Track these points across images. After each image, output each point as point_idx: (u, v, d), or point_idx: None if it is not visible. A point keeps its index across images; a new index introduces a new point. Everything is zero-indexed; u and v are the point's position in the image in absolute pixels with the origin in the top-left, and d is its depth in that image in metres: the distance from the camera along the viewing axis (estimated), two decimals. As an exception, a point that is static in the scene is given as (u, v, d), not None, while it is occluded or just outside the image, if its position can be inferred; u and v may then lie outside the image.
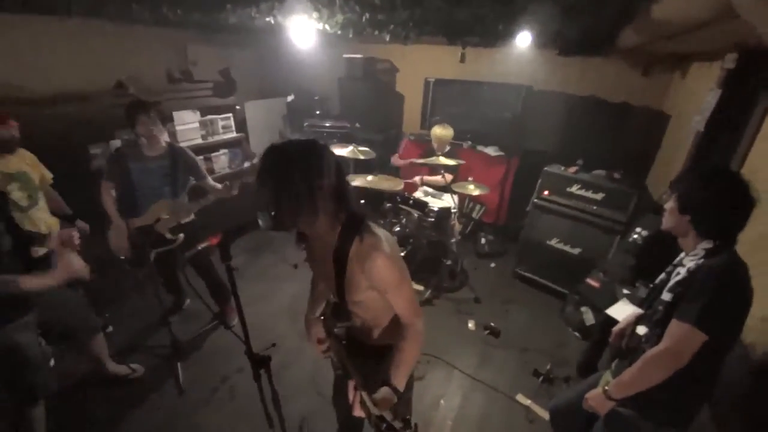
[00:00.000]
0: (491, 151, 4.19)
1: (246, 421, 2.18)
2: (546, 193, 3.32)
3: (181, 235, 2.27)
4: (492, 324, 3.00)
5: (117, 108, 3.00)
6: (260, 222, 0.99)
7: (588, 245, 3.16)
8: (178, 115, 3.36)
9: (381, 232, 1.13)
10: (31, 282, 1.53)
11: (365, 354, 1.32)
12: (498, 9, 2.12)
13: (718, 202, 1.21)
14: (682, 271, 1.29)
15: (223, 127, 3.77)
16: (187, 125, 3.46)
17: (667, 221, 1.37)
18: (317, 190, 0.99)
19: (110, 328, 2.72)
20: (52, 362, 1.81)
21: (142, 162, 2.29)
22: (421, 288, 3.39)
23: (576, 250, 3.24)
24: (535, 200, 3.39)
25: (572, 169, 3.27)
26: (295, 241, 1.23)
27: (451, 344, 2.83)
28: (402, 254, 3.47)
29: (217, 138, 3.72)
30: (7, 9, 2.51)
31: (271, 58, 4.75)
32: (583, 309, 2.87)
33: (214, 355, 2.64)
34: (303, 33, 3.07)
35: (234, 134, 3.89)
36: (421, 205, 3.29)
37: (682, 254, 1.38)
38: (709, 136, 2.41)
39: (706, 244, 1.25)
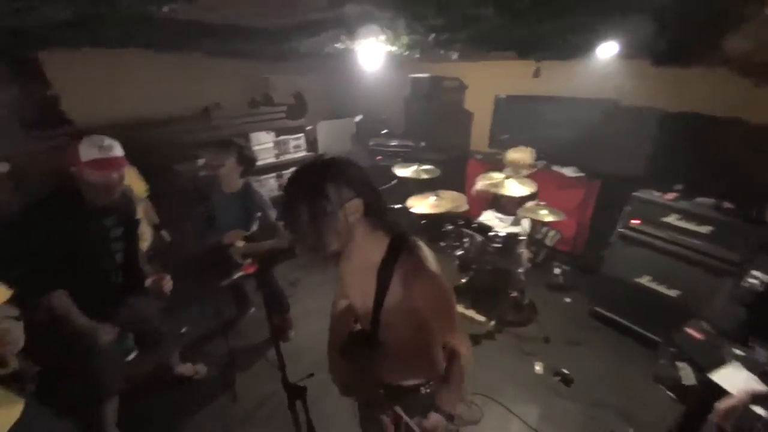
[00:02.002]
0: (569, 171, 3.82)
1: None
2: (635, 222, 2.89)
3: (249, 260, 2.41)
4: (564, 370, 2.65)
5: (202, 132, 3.37)
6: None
7: (688, 287, 2.65)
8: (254, 136, 3.64)
9: (426, 249, 1.09)
10: (77, 319, 1.68)
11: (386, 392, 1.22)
12: (574, 19, 1.92)
13: None
14: None
15: (294, 147, 4.00)
16: (263, 145, 3.73)
17: None
18: (334, 208, 0.97)
19: (184, 329, 2.95)
20: (133, 354, 2.00)
21: (219, 194, 2.52)
22: (482, 319, 3.15)
23: (672, 292, 2.73)
24: (621, 230, 2.96)
25: (670, 196, 2.81)
26: (334, 258, 1.20)
27: (512, 387, 2.55)
28: (463, 281, 3.34)
29: (288, 157, 3.95)
30: (113, 45, 2.94)
31: (342, 80, 4.95)
32: (680, 365, 2.39)
33: (267, 370, 2.69)
34: (371, 55, 3.14)
35: (304, 153, 4.10)
36: (486, 230, 3.08)
37: None
38: None
39: None
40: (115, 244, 1.82)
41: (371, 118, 5.03)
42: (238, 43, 2.87)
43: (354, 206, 1.00)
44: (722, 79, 3.00)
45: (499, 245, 3.04)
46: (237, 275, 1.16)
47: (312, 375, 1.42)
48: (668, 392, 2.47)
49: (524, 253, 3.17)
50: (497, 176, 3.10)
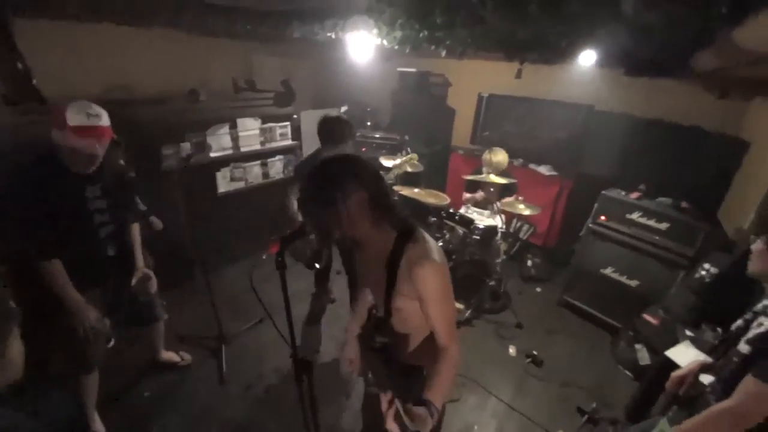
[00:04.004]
0: (544, 170, 4.05)
1: (276, 420, 2.25)
2: (603, 218, 3.14)
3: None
4: (534, 352, 2.86)
5: (189, 113, 3.30)
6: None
7: (647, 278, 2.93)
8: (241, 122, 3.59)
9: (432, 242, 1.16)
10: (72, 295, 1.68)
11: (397, 372, 1.32)
12: (562, 27, 2.07)
13: None
14: (766, 323, 1.17)
15: (281, 135, 3.97)
16: (249, 131, 3.68)
17: (755, 265, 1.27)
18: (354, 201, 1.04)
19: (165, 316, 2.93)
20: (112, 342, 1.98)
21: None
22: (461, 307, 3.31)
23: (633, 282, 3.01)
24: (591, 225, 3.21)
25: (634, 195, 3.07)
26: (348, 248, 1.28)
27: (488, 368, 2.74)
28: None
29: (274, 145, 3.92)
30: (96, 19, 2.83)
31: (328, 69, 4.95)
32: (638, 347, 2.66)
33: (255, 352, 2.73)
34: (361, 47, 3.17)
35: (290, 142, 4.08)
36: (467, 222, 3.24)
37: (766, 301, 1.25)
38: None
39: None
40: (98, 215, 1.77)
41: (356, 109, 5.06)
42: (229, 22, 2.83)
43: (362, 198, 1.05)
44: (687, 91, 3.30)
45: (478, 237, 3.21)
46: (264, 255, 1.21)
47: (318, 352, 1.49)
48: (627, 372, 2.74)
49: (501, 245, 3.38)
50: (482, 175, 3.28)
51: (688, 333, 2.17)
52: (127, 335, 2.39)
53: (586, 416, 2.36)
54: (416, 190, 3.29)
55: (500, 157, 3.31)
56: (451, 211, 3.34)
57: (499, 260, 3.35)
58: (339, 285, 2.81)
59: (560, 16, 1.73)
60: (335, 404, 2.35)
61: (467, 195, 3.61)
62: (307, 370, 1.26)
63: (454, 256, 3.43)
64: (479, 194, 3.49)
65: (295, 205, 2.38)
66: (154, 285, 2.03)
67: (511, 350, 2.93)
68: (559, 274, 3.81)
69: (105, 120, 1.63)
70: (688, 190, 3.03)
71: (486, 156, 3.33)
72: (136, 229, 2.06)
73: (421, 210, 3.39)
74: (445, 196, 3.36)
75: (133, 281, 1.94)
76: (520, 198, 3.32)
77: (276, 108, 3.92)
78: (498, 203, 3.34)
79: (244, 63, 4.21)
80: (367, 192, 1.06)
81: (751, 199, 2.56)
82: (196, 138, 3.24)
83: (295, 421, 1.48)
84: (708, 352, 1.60)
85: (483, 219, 3.38)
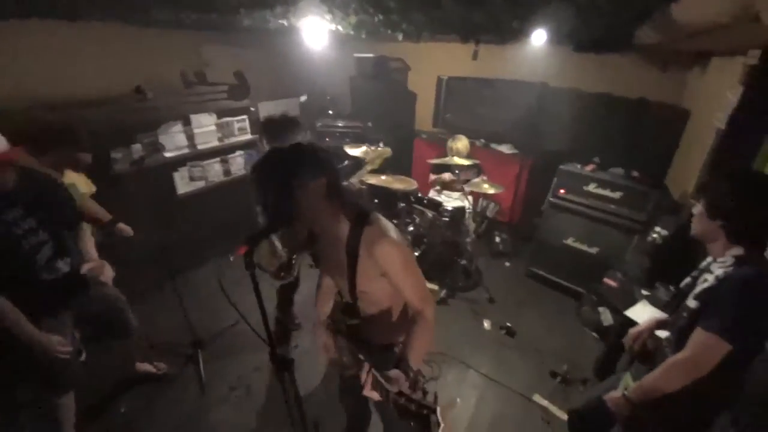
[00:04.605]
0: (505, 149, 4.17)
1: (262, 419, 2.24)
2: (562, 191, 3.29)
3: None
4: (508, 324, 2.99)
5: (137, 113, 3.09)
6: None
7: (605, 245, 3.12)
8: (195, 118, 3.42)
9: (387, 222, 1.20)
10: (26, 330, 1.54)
11: (370, 352, 1.35)
12: (513, 8, 2.10)
13: (749, 207, 1.19)
14: (710, 278, 1.27)
15: (239, 129, 3.82)
16: (205, 128, 3.52)
17: (696, 227, 1.35)
18: (311, 189, 1.05)
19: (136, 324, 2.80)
20: (83, 356, 1.88)
21: None
22: (435, 287, 3.39)
23: (593, 250, 3.20)
24: (551, 199, 3.35)
25: (589, 168, 3.23)
26: (306, 242, 1.29)
27: (465, 344, 2.84)
28: (416, 254, 3.55)
29: (233, 140, 3.77)
30: (26, 15, 2.57)
31: (284, 58, 4.77)
32: (601, 309, 2.84)
33: (232, 354, 2.68)
34: (316, 34, 3.09)
35: (249, 136, 3.93)
36: (435, 205, 3.29)
37: (709, 259, 1.36)
38: (732, 134, 2.35)
39: (737, 251, 1.23)
40: (30, 238, 1.58)
41: (316, 98, 4.95)
42: (175, 13, 2.66)
43: (318, 187, 1.06)
44: (632, 65, 3.48)
45: (447, 219, 3.28)
46: (232, 257, 1.18)
47: (296, 347, 1.49)
48: (592, 333, 2.93)
49: (470, 225, 3.47)
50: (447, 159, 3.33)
51: (644, 293, 2.34)
52: (98, 348, 2.26)
53: (559, 378, 2.51)
54: (383, 177, 3.30)
55: (460, 144, 3.40)
56: (419, 195, 3.38)
57: (468, 239, 3.44)
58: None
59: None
60: (318, 396, 2.37)
61: (433, 177, 3.66)
62: (288, 367, 1.26)
63: (425, 239, 3.49)
64: (446, 175, 3.55)
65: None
66: (108, 273, 1.86)
67: (486, 324, 3.05)
68: (526, 248, 3.97)
69: (2, 144, 1.43)
70: (638, 159, 3.22)
71: (449, 144, 3.44)
72: (83, 232, 1.92)
73: (389, 196, 3.40)
74: (412, 180, 3.39)
75: (84, 269, 1.79)
76: (484, 178, 3.41)
77: (231, 101, 3.75)
78: (465, 185, 3.41)
79: (194, 56, 3.97)
80: (323, 180, 1.07)
81: (694, 164, 2.76)
82: (147, 138, 3.06)
83: (281, 418, 1.48)
84: (663, 309, 1.74)
85: (451, 201, 3.45)
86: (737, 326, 1.14)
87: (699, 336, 1.20)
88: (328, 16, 2.67)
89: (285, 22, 2.91)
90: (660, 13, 1.75)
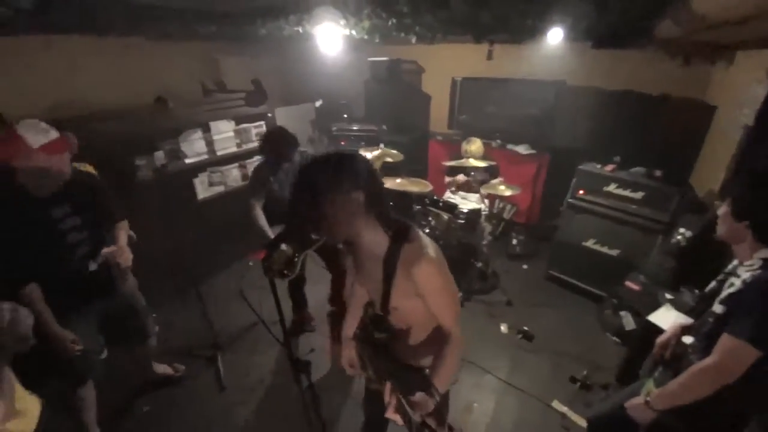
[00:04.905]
0: (522, 149, 4.10)
1: (281, 420, 2.27)
2: (581, 192, 3.21)
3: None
4: (525, 328, 2.94)
5: (158, 121, 3.20)
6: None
7: (627, 246, 3.03)
8: (214, 125, 3.51)
9: (426, 239, 1.17)
10: (48, 321, 1.63)
11: (395, 370, 1.34)
12: (525, 7, 2.08)
13: None
14: (736, 283, 1.22)
15: (257, 135, 3.90)
16: (224, 134, 3.61)
17: (721, 228, 1.31)
18: (350, 200, 1.02)
19: (156, 329, 2.89)
20: (104, 354, 1.95)
21: (276, 174, 2.46)
22: (458, 305, 3.36)
23: (614, 252, 3.11)
24: (570, 200, 3.28)
25: (609, 168, 3.15)
26: (344, 250, 1.28)
27: (483, 348, 2.80)
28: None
29: (251, 145, 3.85)
30: (52, 30, 2.70)
31: (299, 64, 4.85)
32: (623, 313, 2.76)
33: (251, 356, 2.73)
34: (330, 40, 3.12)
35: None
36: (451, 207, 3.27)
37: (735, 262, 1.31)
38: (759, 131, 2.25)
39: (764, 253, 1.18)
40: (73, 235, 1.70)
41: (331, 102, 5.01)
42: (192, 26, 2.74)
43: (358, 199, 1.04)
44: (653, 60, 3.37)
45: (463, 221, 3.26)
46: (251, 261, 1.21)
47: (313, 350, 1.51)
48: (613, 338, 2.85)
49: (486, 226, 3.43)
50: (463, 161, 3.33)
51: (668, 296, 2.27)
52: (119, 350, 2.35)
53: (579, 384, 2.45)
54: (398, 180, 3.30)
55: (474, 146, 3.39)
56: (434, 198, 3.37)
57: (484, 242, 3.40)
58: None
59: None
60: (337, 399, 2.38)
61: (448, 179, 3.65)
62: (306, 370, 1.28)
63: (440, 242, 3.46)
64: (460, 177, 3.52)
65: (261, 217, 2.37)
66: (128, 257, 1.84)
67: (503, 328, 3.00)
68: (544, 250, 3.89)
69: (54, 130, 1.56)
70: (661, 157, 3.12)
71: (464, 146, 3.42)
72: (120, 228, 1.96)
73: (405, 199, 3.40)
74: (427, 183, 3.38)
75: (104, 251, 1.81)
76: (501, 179, 3.37)
77: (249, 108, 3.84)
78: (481, 188, 3.38)
79: (210, 65, 4.09)
80: (363, 191, 1.04)
81: (721, 161, 2.65)
82: (168, 146, 3.16)
83: (300, 420, 1.50)
84: (687, 314, 1.68)
85: (467, 203, 3.42)
86: (766, 331, 1.10)
87: (726, 342, 1.16)
88: (342, 22, 2.70)
89: (300, 29, 2.96)
90: (679, 4, 1.70)
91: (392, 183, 3.24)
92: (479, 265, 3.40)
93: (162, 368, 2.51)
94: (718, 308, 1.26)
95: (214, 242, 3.55)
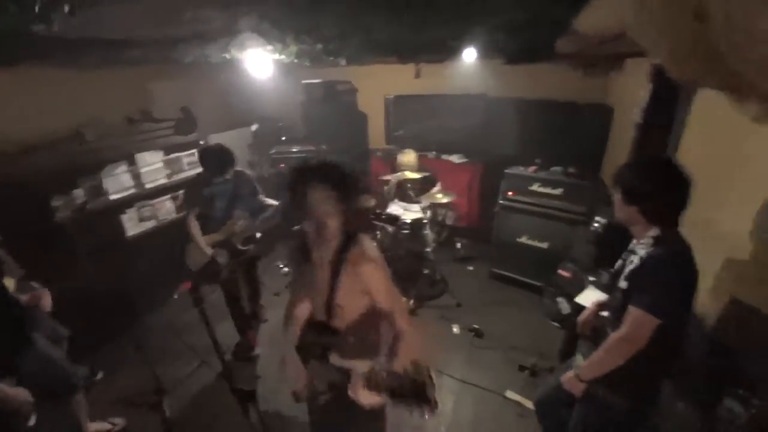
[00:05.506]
0: (455, 158, 4.36)
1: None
2: (510, 193, 3.48)
3: (252, 246, 2.72)
4: (475, 326, 3.08)
5: (77, 156, 2.97)
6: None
7: (555, 238, 3.32)
8: (140, 157, 3.33)
9: (369, 241, 1.34)
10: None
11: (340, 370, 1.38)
12: (441, 31, 2.27)
13: (659, 190, 1.31)
14: (635, 260, 1.38)
15: (189, 164, 3.75)
16: (152, 166, 3.43)
17: (618, 213, 1.47)
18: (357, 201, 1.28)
19: (100, 375, 2.64)
20: (33, 420, 1.74)
21: (210, 187, 2.60)
22: (403, 299, 3.43)
23: (545, 244, 3.40)
24: (501, 201, 3.54)
25: (532, 169, 3.45)
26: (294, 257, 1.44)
27: (437, 350, 2.88)
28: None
29: (183, 175, 3.69)
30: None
31: (232, 89, 4.78)
32: (559, 299, 3.00)
33: (201, 394, 2.56)
34: (259, 64, 3.14)
35: (201, 169, 3.86)
36: (393, 219, 3.37)
37: (634, 241, 1.48)
38: (647, 126, 2.62)
39: (654, 231, 1.34)
40: None
41: (267, 126, 4.96)
42: (112, 54, 2.62)
43: (359, 200, 1.27)
44: (559, 72, 3.78)
45: (408, 231, 3.37)
46: (175, 295, 1.18)
47: (259, 377, 1.47)
48: (554, 323, 3.07)
49: (429, 234, 3.57)
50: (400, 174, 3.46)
51: (591, 278, 2.52)
52: (45, 409, 2.10)
53: (527, 371, 2.61)
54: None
55: (407, 157, 3.56)
56: (377, 211, 3.45)
57: (430, 249, 3.53)
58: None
59: (434, 22, 1.90)
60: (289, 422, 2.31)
61: (385, 187, 3.78)
62: (251, 398, 1.25)
63: (388, 253, 3.55)
64: (391, 180, 3.68)
65: (194, 226, 2.56)
66: (47, 298, 1.81)
67: (455, 329, 3.12)
68: (486, 251, 4.12)
69: None
70: (574, 156, 3.48)
71: (398, 158, 3.57)
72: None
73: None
74: (370, 197, 3.46)
75: (25, 298, 1.76)
76: (438, 187, 3.55)
77: (179, 137, 3.69)
78: (421, 197, 3.53)
79: (138, 93, 3.84)
80: (358, 195, 1.27)
81: (622, 156, 3.02)
82: (89, 182, 2.93)
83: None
84: (604, 291, 1.88)
85: (409, 213, 3.54)
86: (661, 300, 1.25)
87: (631, 313, 1.31)
88: (269, 48, 2.74)
89: (227, 56, 2.95)
90: (569, 27, 1.97)
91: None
92: (427, 271, 3.52)
93: (96, 426, 2.27)
94: (623, 284, 1.42)
95: (150, 279, 3.31)
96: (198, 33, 2.27)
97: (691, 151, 2.10)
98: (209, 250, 2.55)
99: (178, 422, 2.34)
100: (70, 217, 2.71)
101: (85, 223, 2.77)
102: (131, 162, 3.28)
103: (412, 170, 3.47)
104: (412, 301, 3.38)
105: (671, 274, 1.28)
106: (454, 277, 3.83)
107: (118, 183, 3.16)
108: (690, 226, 1.36)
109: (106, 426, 2.30)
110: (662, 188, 1.32)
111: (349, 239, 1.31)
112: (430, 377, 1.23)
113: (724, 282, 1.66)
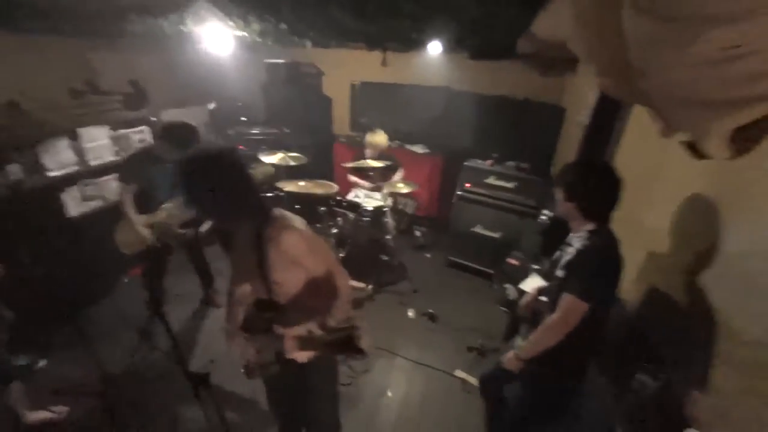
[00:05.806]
0: (418, 149, 4.45)
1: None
2: (468, 185, 3.63)
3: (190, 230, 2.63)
4: (430, 310, 3.23)
5: (11, 129, 2.72)
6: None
7: (507, 229, 3.53)
8: (85, 132, 3.10)
9: (286, 214, 1.33)
10: None
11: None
12: (407, 22, 2.30)
13: (595, 190, 1.47)
14: (571, 251, 1.53)
15: (139, 141, 3.54)
16: (97, 142, 3.21)
17: (558, 208, 1.63)
18: (227, 189, 1.20)
19: (42, 363, 2.50)
20: None
21: (157, 165, 2.47)
22: (362, 285, 3.52)
23: (497, 234, 3.60)
24: (459, 192, 3.69)
25: (488, 162, 3.61)
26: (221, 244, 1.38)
27: (393, 335, 3.01)
28: (341, 255, 3.64)
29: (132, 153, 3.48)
30: None
31: (188, 64, 4.52)
32: (507, 286, 3.21)
33: (150, 382, 2.50)
34: (219, 40, 3.00)
35: (149, 145, 3.67)
36: (354, 206, 3.41)
37: (572, 234, 1.64)
38: (593, 129, 2.83)
39: (589, 226, 1.49)
40: None
41: (226, 105, 4.77)
42: (59, 22, 2.40)
43: (239, 186, 1.22)
44: (519, 71, 3.94)
45: (369, 218, 3.43)
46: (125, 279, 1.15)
47: (212, 361, 1.48)
48: (502, 308, 3.29)
49: (390, 222, 3.66)
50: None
51: (534, 267, 2.72)
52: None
53: (475, 351, 2.80)
54: (301, 183, 3.31)
55: (379, 138, 3.55)
56: (338, 198, 3.47)
57: (390, 236, 3.62)
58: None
59: (395, 14, 1.93)
60: (251, 410, 2.34)
61: (350, 175, 3.80)
62: (204, 382, 1.26)
63: (349, 241, 3.60)
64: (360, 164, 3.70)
65: (128, 204, 2.48)
66: None
67: (410, 313, 3.26)
68: (444, 239, 4.29)
69: None
70: (528, 152, 3.69)
71: (368, 137, 3.56)
72: None
73: (310, 202, 3.44)
74: (332, 184, 3.46)
75: None
76: (401, 175, 3.63)
77: (128, 112, 3.47)
78: (384, 185, 3.59)
79: (82, 64, 3.53)
80: (240, 181, 1.22)
81: (571, 155, 3.23)
82: (25, 158, 2.71)
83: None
84: (545, 278, 2.06)
85: (371, 201, 3.60)
86: (590, 288, 1.41)
87: (564, 299, 1.46)
88: (231, 23, 2.63)
89: (183, 28, 2.79)
90: (527, 29, 2.08)
91: (295, 186, 3.26)
92: (386, 258, 3.61)
93: (35, 415, 2.17)
94: (560, 273, 1.57)
95: (95, 263, 3.14)
96: (150, 2, 2.15)
97: (626, 155, 2.31)
98: (144, 231, 2.47)
99: (125, 410, 2.29)
100: (3, 195, 2.49)
101: (20, 202, 2.57)
102: (74, 137, 3.05)
103: (382, 151, 3.50)
104: (370, 288, 3.47)
105: (601, 265, 1.44)
106: (412, 264, 3.97)
107: (58, 159, 2.94)
108: (619, 222, 1.53)
109: (48, 415, 2.19)
110: (597, 188, 1.48)
111: (264, 218, 1.30)
112: (358, 327, 1.29)
113: (645, 272, 1.87)
